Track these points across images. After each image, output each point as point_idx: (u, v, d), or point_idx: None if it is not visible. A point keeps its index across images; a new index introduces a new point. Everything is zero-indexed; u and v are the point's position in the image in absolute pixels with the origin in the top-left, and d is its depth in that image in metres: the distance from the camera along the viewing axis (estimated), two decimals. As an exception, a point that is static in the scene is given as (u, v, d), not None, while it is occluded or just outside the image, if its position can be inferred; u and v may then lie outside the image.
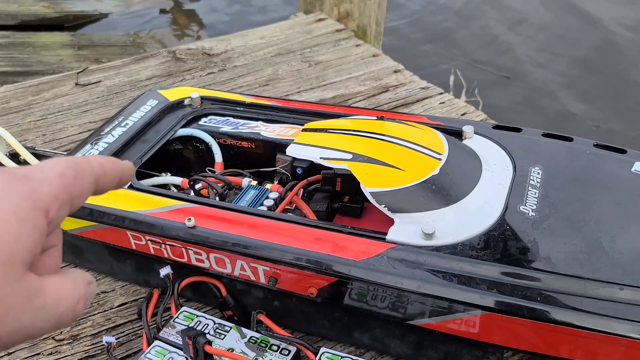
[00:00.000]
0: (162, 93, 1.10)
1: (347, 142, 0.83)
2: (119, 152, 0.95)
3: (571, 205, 0.76)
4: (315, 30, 1.85)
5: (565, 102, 2.69)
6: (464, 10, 3.62)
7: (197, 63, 1.69)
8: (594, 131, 2.48)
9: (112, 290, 0.95)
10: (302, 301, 0.80)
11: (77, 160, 0.36)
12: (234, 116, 1.05)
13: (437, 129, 0.92)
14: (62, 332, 0.88)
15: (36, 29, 3.28)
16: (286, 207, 0.87)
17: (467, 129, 0.90)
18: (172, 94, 1.10)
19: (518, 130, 0.92)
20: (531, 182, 0.80)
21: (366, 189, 0.76)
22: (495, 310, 0.65)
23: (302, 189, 0.90)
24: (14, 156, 1.00)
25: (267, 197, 0.87)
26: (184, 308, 0.85)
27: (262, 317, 0.81)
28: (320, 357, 0.75)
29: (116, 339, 0.84)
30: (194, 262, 0.82)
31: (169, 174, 1.00)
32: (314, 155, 0.82)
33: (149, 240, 0.82)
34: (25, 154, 0.98)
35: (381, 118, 0.89)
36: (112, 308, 0.92)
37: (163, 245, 0.82)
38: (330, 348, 0.77)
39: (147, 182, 0.96)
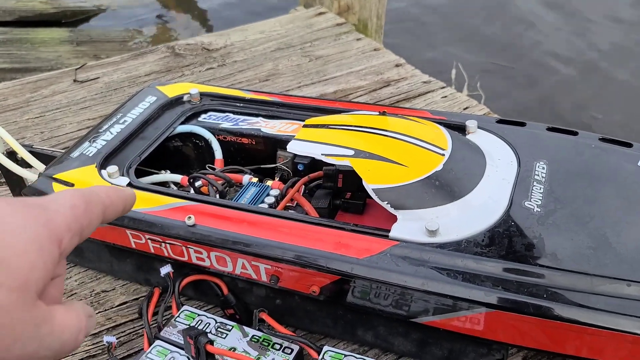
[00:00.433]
0: (160, 89, 1.09)
1: (349, 138, 0.82)
2: (118, 149, 0.94)
3: (577, 201, 0.75)
4: (316, 25, 1.84)
5: (572, 94, 2.66)
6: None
7: (197, 58, 1.68)
8: (598, 123, 2.46)
9: (113, 290, 0.95)
10: (305, 299, 0.79)
11: (87, 192, 0.37)
12: (233, 112, 1.04)
13: (440, 123, 0.91)
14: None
15: (34, 25, 3.27)
16: (287, 204, 0.86)
17: (471, 124, 0.89)
18: (171, 90, 1.08)
19: (522, 124, 0.91)
20: (536, 177, 0.79)
21: (368, 186, 0.75)
22: (501, 308, 0.64)
23: (303, 186, 0.89)
24: (11, 154, 0.99)
25: (268, 195, 0.86)
26: (185, 307, 0.84)
27: (264, 316, 0.80)
28: (323, 355, 0.74)
29: (117, 339, 0.83)
30: (194, 260, 0.81)
31: (168, 171, 0.99)
32: (315, 151, 0.81)
33: (148, 239, 0.81)
34: (22, 152, 0.97)
35: (383, 113, 0.88)
36: (113, 307, 0.91)
37: (163, 244, 0.81)
38: (333, 346, 0.76)
39: (146, 180, 0.95)
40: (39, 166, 0.95)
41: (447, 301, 0.67)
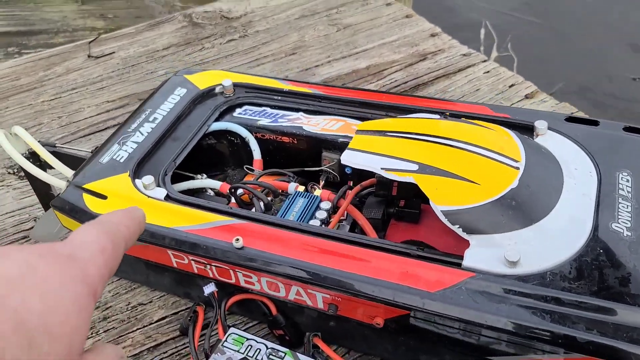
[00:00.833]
0: (190, 79, 1.00)
1: (410, 149, 0.73)
2: (150, 153, 0.86)
3: (670, 221, 0.67)
4: (341, -12, 1.71)
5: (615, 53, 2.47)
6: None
7: (216, 29, 1.57)
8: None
9: (150, 302, 0.89)
10: (363, 325, 0.72)
11: (111, 229, 0.36)
12: (271, 106, 0.95)
13: (503, 123, 0.82)
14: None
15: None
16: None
17: (540, 125, 0.81)
18: (201, 80, 1.00)
19: (595, 123, 0.82)
20: (620, 191, 0.71)
21: (437, 207, 0.68)
22: (597, 354, 0.58)
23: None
24: (33, 155, 0.92)
25: (318, 208, 0.79)
26: (232, 330, 0.78)
27: (318, 341, 0.75)
28: (387, 390, 0.69)
29: (160, 362, 0.78)
30: (242, 284, 0.74)
31: (204, 175, 0.91)
32: (373, 164, 0.73)
33: (192, 260, 0.75)
34: (45, 155, 0.90)
35: (446, 116, 0.79)
36: (152, 323, 0.86)
37: (208, 266, 0.74)
38: (397, 377, 0.71)
39: (182, 186, 0.88)
40: (66, 171, 0.88)
41: (531, 342, 0.61)
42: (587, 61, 2.42)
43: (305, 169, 0.90)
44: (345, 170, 0.86)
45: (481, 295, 0.62)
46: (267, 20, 1.59)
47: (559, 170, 0.74)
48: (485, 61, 1.36)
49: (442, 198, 0.68)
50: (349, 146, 0.76)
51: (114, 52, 1.50)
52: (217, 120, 0.93)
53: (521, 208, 0.67)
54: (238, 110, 0.96)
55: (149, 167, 0.84)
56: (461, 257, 0.66)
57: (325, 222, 0.77)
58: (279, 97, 0.96)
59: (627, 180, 0.72)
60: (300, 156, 0.91)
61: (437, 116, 0.81)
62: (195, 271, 0.76)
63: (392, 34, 1.48)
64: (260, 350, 0.76)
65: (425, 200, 0.70)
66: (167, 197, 0.79)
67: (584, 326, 0.58)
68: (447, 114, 0.81)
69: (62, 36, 2.60)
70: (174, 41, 1.53)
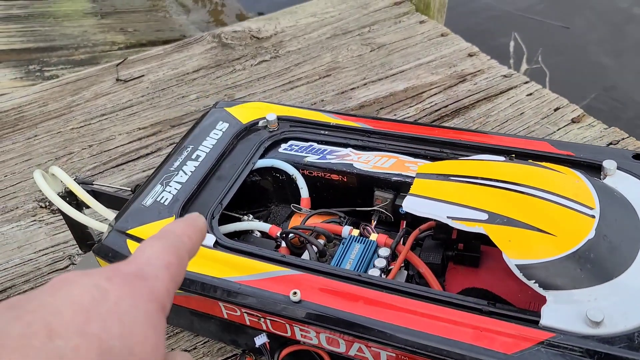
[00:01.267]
0: (230, 112, 0.96)
1: (478, 196, 0.69)
2: (195, 194, 0.83)
3: None
4: (372, 4, 1.68)
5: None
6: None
7: (247, 49, 1.54)
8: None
9: (194, 348, 0.85)
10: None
11: (175, 243, 0.35)
12: (317, 141, 0.91)
13: (567, 161, 0.78)
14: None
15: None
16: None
17: (609, 165, 0.76)
18: (243, 113, 0.96)
19: (664, 161, 0.77)
20: None
21: (511, 261, 0.63)
22: None
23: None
24: (69, 194, 0.89)
25: (376, 254, 0.75)
26: (286, 382, 0.74)
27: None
28: None
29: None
30: (299, 337, 0.71)
31: (250, 215, 0.88)
32: (438, 213, 0.69)
33: (245, 312, 0.71)
34: (83, 196, 0.87)
35: (511, 158, 0.75)
36: (198, 372, 0.82)
37: (262, 319, 0.71)
38: None
39: (228, 228, 0.84)
40: (105, 212, 0.85)
41: (621, 412, 0.56)
42: (620, 72, 2.37)
43: (357, 208, 0.86)
44: (400, 210, 0.82)
45: (563, 358, 0.58)
46: (298, 40, 1.56)
47: (635, 216, 0.69)
48: (527, 82, 1.31)
49: (516, 251, 0.64)
50: (411, 191, 0.72)
51: (143, 75, 1.48)
52: (262, 156, 0.90)
53: (600, 261, 0.63)
54: (283, 145, 0.92)
55: (195, 209, 0.81)
56: (536, 314, 0.61)
57: (384, 270, 0.73)
58: (326, 132, 0.92)
59: None
60: (349, 194, 0.88)
61: (502, 158, 0.76)
62: (248, 323, 0.73)
63: (428, 54, 1.44)
64: (317, 406, 0.72)
65: (485, 241, 0.66)
66: (216, 244, 0.75)
67: (681, 397, 0.54)
68: (513, 155, 0.76)
69: (83, 52, 2.58)
70: (204, 63, 1.50)
